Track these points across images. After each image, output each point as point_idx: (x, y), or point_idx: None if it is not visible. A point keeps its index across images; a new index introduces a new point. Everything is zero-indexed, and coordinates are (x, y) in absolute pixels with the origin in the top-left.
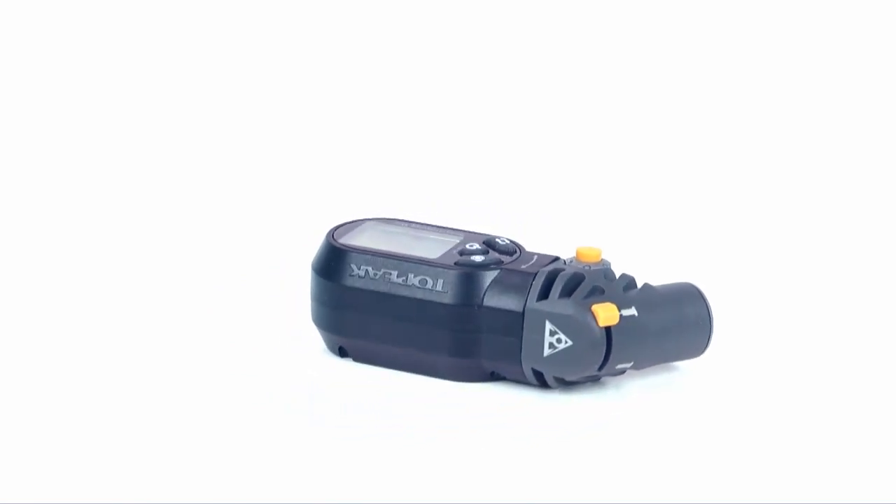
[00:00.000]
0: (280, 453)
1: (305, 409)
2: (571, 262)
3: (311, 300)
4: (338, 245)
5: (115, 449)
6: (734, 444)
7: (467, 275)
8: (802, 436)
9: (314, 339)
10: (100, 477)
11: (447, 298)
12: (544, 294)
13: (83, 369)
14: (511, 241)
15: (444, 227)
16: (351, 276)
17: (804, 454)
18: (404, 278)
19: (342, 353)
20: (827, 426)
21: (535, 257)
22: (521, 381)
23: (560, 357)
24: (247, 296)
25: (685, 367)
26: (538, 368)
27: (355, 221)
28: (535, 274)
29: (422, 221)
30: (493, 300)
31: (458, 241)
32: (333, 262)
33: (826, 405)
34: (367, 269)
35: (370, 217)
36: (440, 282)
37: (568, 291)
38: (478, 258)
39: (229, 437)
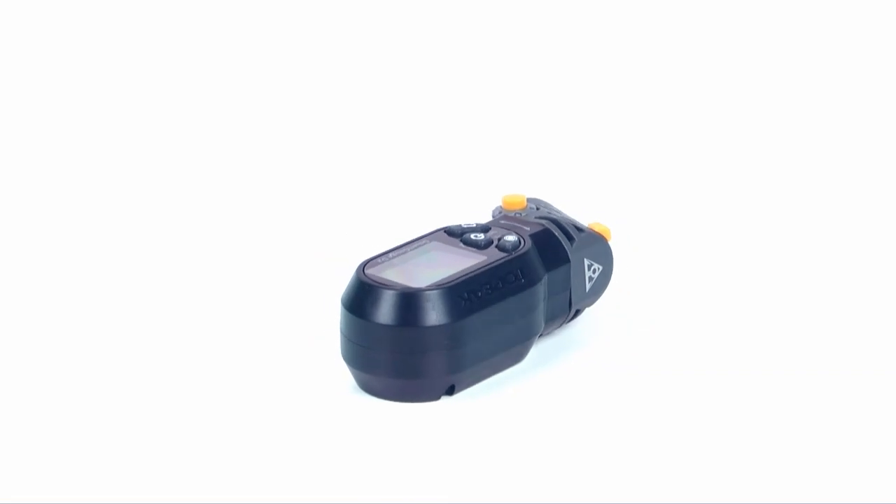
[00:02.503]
0: (280, 454)
1: (310, 413)
2: (503, 213)
3: (409, 356)
4: (427, 288)
5: (121, 454)
6: (731, 437)
7: (527, 253)
8: (790, 422)
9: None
10: (101, 479)
11: (533, 281)
12: (569, 239)
13: (105, 383)
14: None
15: (408, 243)
16: (465, 305)
17: (791, 443)
18: (499, 282)
19: (450, 392)
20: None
21: (503, 221)
22: (552, 332)
23: (596, 285)
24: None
25: (686, 364)
26: (581, 307)
27: (360, 276)
28: (545, 229)
29: (379, 252)
30: (549, 265)
31: (444, 243)
32: (439, 302)
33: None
34: (471, 294)
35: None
36: (519, 271)
37: (577, 229)
38: (509, 238)
39: (232, 437)
